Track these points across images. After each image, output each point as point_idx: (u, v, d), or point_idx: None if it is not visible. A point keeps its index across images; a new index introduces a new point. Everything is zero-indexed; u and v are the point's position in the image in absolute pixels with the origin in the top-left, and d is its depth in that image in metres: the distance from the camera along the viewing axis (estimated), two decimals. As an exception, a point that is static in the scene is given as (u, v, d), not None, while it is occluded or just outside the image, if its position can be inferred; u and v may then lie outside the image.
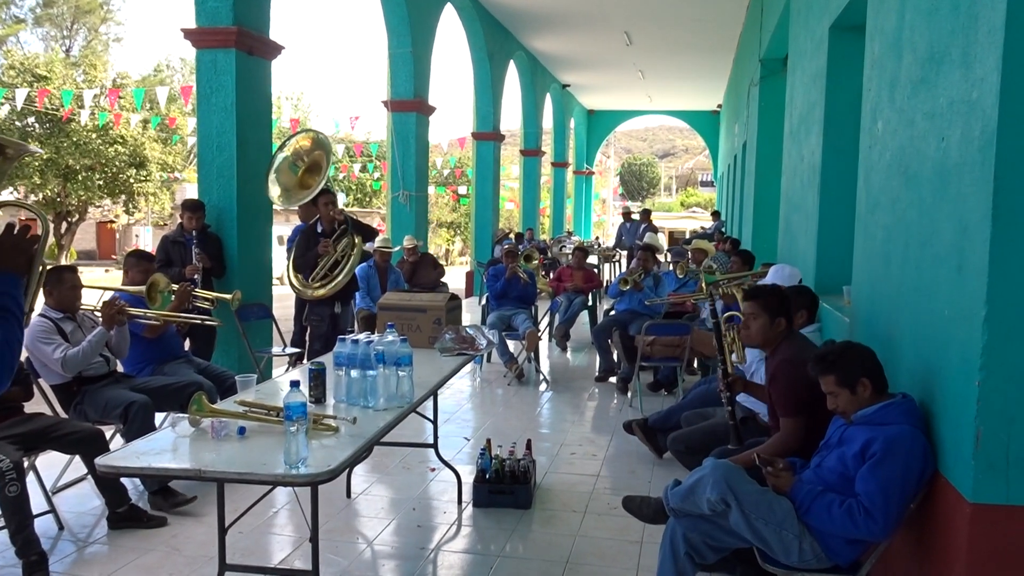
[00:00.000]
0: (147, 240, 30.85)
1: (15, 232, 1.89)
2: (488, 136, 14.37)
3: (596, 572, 3.51)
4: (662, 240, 14.97)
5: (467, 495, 4.34)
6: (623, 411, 6.35)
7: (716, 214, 19.30)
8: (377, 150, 28.66)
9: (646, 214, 16.27)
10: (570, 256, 13.50)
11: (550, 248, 15.51)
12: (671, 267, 9.54)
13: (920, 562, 2.65)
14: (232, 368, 5.72)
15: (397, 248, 9.14)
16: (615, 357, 7.38)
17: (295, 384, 2.51)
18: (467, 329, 4.35)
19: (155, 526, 3.88)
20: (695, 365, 7.29)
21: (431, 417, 4.44)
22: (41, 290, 3.66)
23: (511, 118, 18.02)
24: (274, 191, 6.13)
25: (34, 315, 4.12)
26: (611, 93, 21.64)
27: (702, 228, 21.42)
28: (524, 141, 17.99)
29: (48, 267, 4.44)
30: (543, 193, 21.18)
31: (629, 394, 6.75)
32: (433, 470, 4.82)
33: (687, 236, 21.84)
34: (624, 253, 16.15)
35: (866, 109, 3.86)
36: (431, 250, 14.05)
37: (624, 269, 14.49)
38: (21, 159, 2.03)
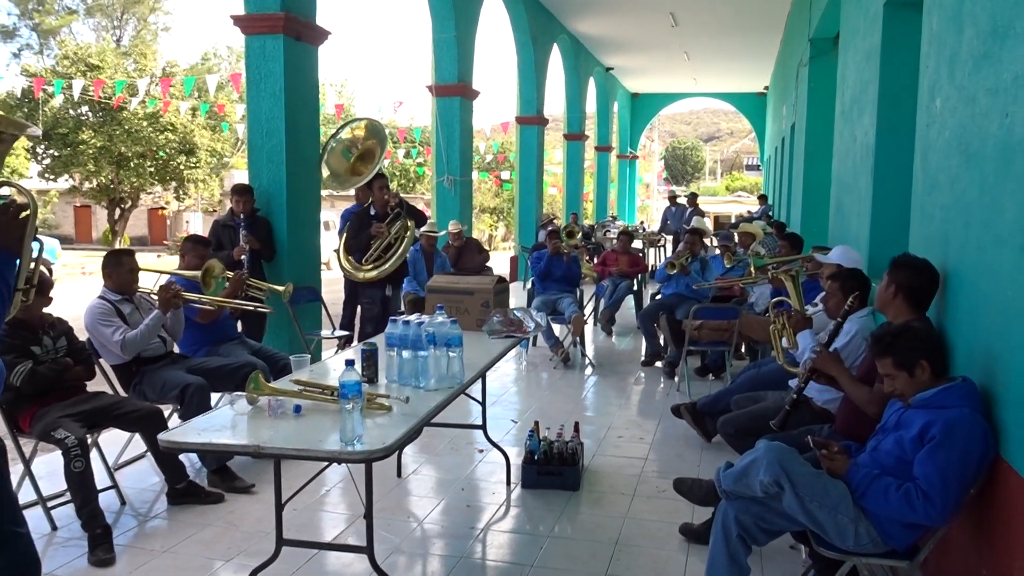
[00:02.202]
0: (197, 225, 31.49)
1: (8, 211, 2.03)
2: (531, 120, 14.33)
3: (646, 554, 3.51)
4: (708, 224, 14.81)
5: (515, 476, 4.38)
6: (670, 395, 6.32)
7: (763, 198, 18.98)
8: (420, 135, 28.81)
9: (692, 198, 16.09)
10: (614, 240, 13.44)
11: (594, 233, 15.43)
12: (717, 251, 9.44)
13: (980, 548, 2.60)
14: (283, 350, 5.83)
15: (443, 233, 9.20)
16: (661, 341, 7.34)
17: (350, 363, 2.55)
18: (515, 312, 4.37)
19: (212, 502, 3.99)
20: (743, 349, 7.21)
21: (479, 399, 4.48)
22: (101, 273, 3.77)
23: (554, 102, 17.96)
24: (327, 177, 6.21)
25: (94, 297, 4.26)
26: (655, 76, 21.38)
27: (748, 212, 21.10)
28: (567, 125, 17.89)
29: (107, 251, 4.58)
30: (586, 178, 21.05)
31: (676, 378, 6.71)
32: (481, 451, 4.86)
33: (733, 220, 21.57)
34: (669, 237, 16.01)
35: (923, 87, 3.76)
36: (475, 235, 14.12)
37: (669, 254, 14.37)
38: (17, 139, 2.15)
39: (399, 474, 4.49)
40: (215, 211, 30.52)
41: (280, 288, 5.11)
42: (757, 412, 3.90)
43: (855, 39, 6.20)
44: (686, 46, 16.36)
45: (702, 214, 15.54)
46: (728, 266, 7.51)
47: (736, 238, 9.04)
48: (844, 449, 2.74)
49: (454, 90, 10.37)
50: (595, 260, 13.38)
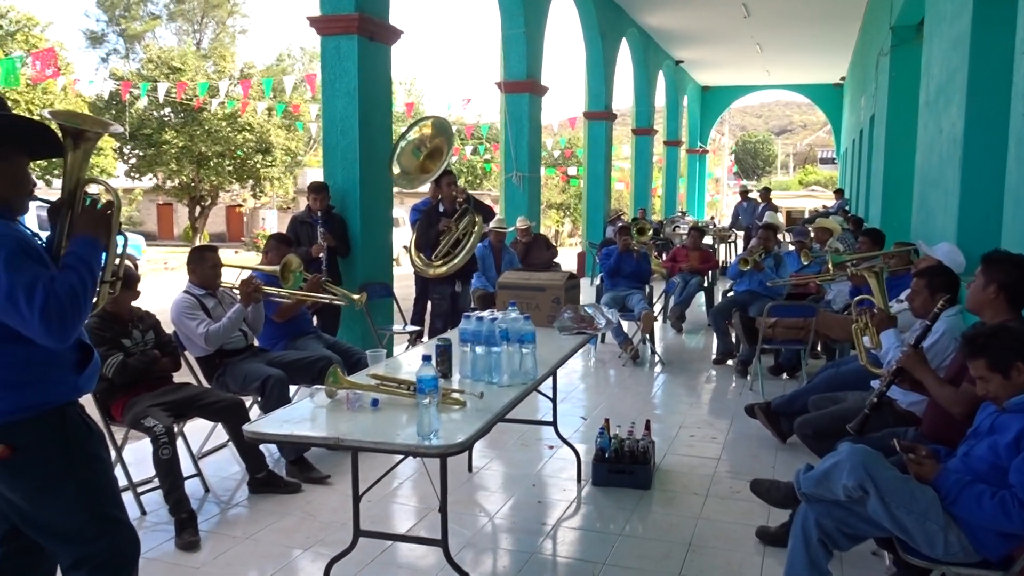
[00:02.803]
0: (272, 222, 32.36)
1: (96, 206, 2.17)
2: (600, 116, 14.24)
3: (720, 556, 3.46)
4: (780, 220, 14.45)
5: (585, 473, 4.36)
6: (743, 394, 6.20)
7: (839, 192, 18.44)
8: (488, 131, 28.95)
9: (765, 193, 15.73)
10: (684, 236, 13.24)
11: (663, 229, 15.24)
12: (791, 247, 9.21)
13: (1080, 560, 2.47)
14: (356, 344, 5.94)
15: (511, 229, 9.23)
16: (733, 339, 7.21)
17: (427, 359, 2.58)
18: (585, 308, 4.35)
19: (290, 492, 4.10)
20: (819, 348, 7.02)
21: (549, 395, 4.48)
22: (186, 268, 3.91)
23: (622, 97, 17.79)
24: (396, 175, 6.27)
25: (179, 292, 4.42)
26: (726, 68, 20.98)
27: (824, 207, 20.52)
28: (636, 120, 17.71)
29: (192, 247, 4.75)
30: (654, 173, 20.80)
31: (749, 377, 6.58)
32: (551, 448, 4.86)
33: (806, 215, 21.00)
34: (740, 233, 15.70)
35: (1019, 74, 3.58)
36: (542, 231, 14.10)
37: (741, 250, 14.09)
38: (101, 136, 2.26)
39: (470, 469, 4.52)
40: (289, 208, 31.29)
41: (355, 297, 5.19)
42: (837, 413, 3.79)
43: (941, 26, 5.95)
44: (759, 37, 15.99)
45: (775, 209, 15.17)
46: (804, 263, 7.32)
47: (812, 234, 8.80)
48: (932, 453, 2.64)
49: (523, 86, 10.39)
50: (664, 256, 13.24)
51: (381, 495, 4.08)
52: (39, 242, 2.14)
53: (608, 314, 4.33)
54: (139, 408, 3.75)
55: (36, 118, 2.20)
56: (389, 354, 6.24)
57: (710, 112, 25.36)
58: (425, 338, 6.84)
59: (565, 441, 4.46)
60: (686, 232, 12.23)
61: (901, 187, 8.54)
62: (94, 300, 2.16)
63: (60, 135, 2.13)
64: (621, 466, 4.21)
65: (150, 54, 24.78)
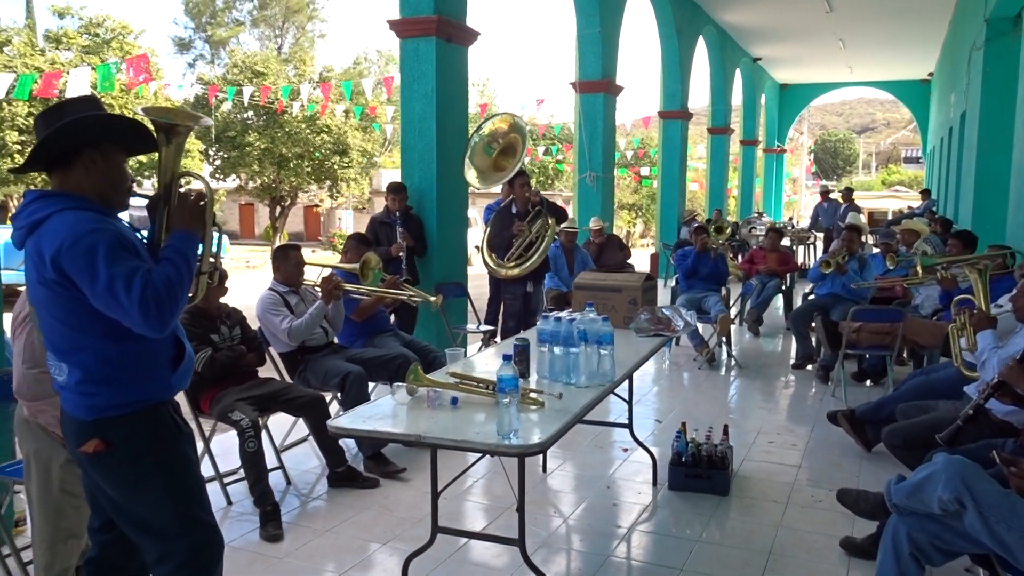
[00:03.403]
0: (349, 223, 33.06)
1: (188, 198, 2.21)
2: (675, 115, 14.03)
3: (802, 566, 3.36)
4: (863, 221, 13.96)
5: (661, 477, 4.31)
6: (824, 401, 6.02)
7: (926, 192, 17.73)
8: (560, 131, 28.89)
9: (847, 193, 15.24)
10: (760, 238, 12.95)
11: (739, 230, 14.93)
12: (875, 249, 8.90)
13: None
14: (431, 343, 6.00)
15: (583, 229, 9.19)
16: (814, 343, 7.01)
17: (507, 358, 2.59)
18: (663, 310, 4.30)
19: (368, 487, 4.18)
20: (904, 355, 6.76)
21: (625, 397, 4.44)
22: (271, 265, 4.01)
23: (697, 96, 17.51)
24: (470, 173, 6.27)
25: (264, 289, 4.56)
26: (806, 66, 20.40)
27: (909, 208, 19.77)
28: (712, 119, 17.39)
29: (277, 246, 4.88)
30: (729, 172, 20.38)
31: (831, 383, 6.39)
32: (626, 450, 4.82)
33: (890, 217, 20.27)
34: (820, 235, 15.25)
35: None
36: (614, 232, 14.00)
37: (820, 252, 13.70)
38: (192, 130, 2.32)
39: (544, 469, 4.52)
40: (364, 209, 31.90)
41: (432, 299, 5.24)
42: (928, 423, 3.64)
43: (1043, 18, 5.66)
44: (841, 33, 15.49)
45: (858, 210, 14.68)
46: (889, 266, 7.06)
47: (898, 236, 8.48)
48: (1035, 467, 2.51)
49: (598, 86, 10.32)
50: (740, 258, 12.97)
51: (456, 493, 4.12)
52: (139, 238, 2.21)
53: (686, 316, 4.26)
54: (226, 402, 3.88)
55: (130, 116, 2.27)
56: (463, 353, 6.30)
57: (788, 110, 24.70)
58: (498, 338, 6.87)
59: (641, 444, 4.41)
60: (763, 233, 11.95)
61: (995, 187, 8.15)
62: (192, 292, 2.22)
63: (153, 131, 2.19)
64: (698, 471, 4.14)
65: (234, 59, 25.64)
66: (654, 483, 4.30)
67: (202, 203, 2.23)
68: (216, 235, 2.34)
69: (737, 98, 19.26)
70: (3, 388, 3.33)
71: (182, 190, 2.25)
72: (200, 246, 2.24)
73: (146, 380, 2.16)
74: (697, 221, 12.46)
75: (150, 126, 2.21)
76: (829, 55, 18.03)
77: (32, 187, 21.14)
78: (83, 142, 2.10)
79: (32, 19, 25.47)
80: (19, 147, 19.28)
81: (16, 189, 21.27)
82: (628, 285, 4.40)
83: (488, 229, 6.76)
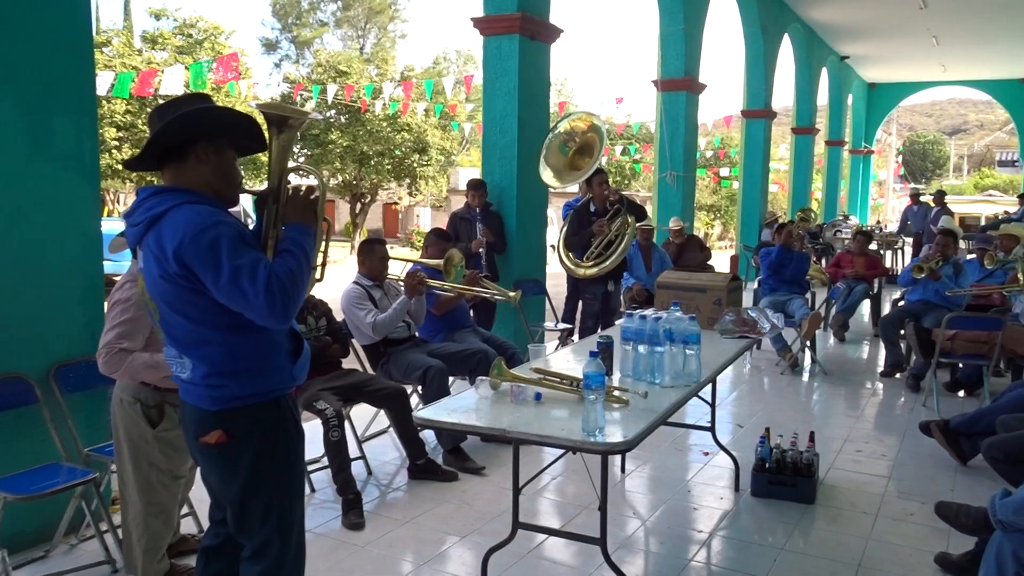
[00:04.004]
0: (427, 220, 33.48)
1: (300, 191, 2.20)
2: (758, 114, 13.70)
3: (894, 580, 3.23)
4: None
5: (743, 482, 4.21)
6: (914, 411, 5.77)
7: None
8: (638, 130, 28.60)
9: (939, 196, 14.61)
10: (846, 241, 12.53)
11: (823, 233, 14.48)
12: (969, 255, 8.50)
13: None
14: (509, 339, 6.01)
15: (660, 227, 9.05)
16: (904, 351, 6.74)
17: (594, 354, 2.56)
18: (749, 311, 4.19)
19: (447, 480, 4.21)
20: (1001, 365, 6.43)
21: (707, 399, 4.35)
22: (356, 259, 4.06)
23: (782, 95, 17.07)
24: (545, 173, 6.21)
25: (349, 283, 4.64)
26: (896, 64, 19.63)
27: (1005, 213, 18.81)
28: (796, 118, 16.92)
29: (364, 238, 4.96)
30: (813, 174, 19.79)
31: (922, 392, 6.12)
32: (706, 454, 4.72)
33: (983, 222, 19.33)
34: (910, 240, 14.66)
35: None
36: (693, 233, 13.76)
37: (910, 256, 13.18)
38: (303, 127, 2.32)
39: (622, 470, 4.47)
40: (441, 207, 32.25)
41: (511, 294, 5.23)
42: (1034, 436, 3.45)
43: None
44: (935, 30, 14.85)
45: (951, 213, 14.05)
46: (988, 265, 6.73)
47: (995, 241, 8.07)
48: None
49: (680, 84, 10.17)
50: (824, 262, 12.58)
51: (534, 490, 4.11)
52: (251, 232, 2.21)
53: (773, 318, 4.15)
54: (311, 391, 3.97)
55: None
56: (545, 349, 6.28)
57: (876, 111, 23.84)
58: (575, 337, 6.83)
59: (723, 448, 4.32)
60: (849, 237, 11.57)
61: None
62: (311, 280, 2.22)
63: (265, 126, 2.20)
64: (783, 477, 4.02)
65: (319, 59, 26.28)
66: (736, 488, 4.21)
67: (314, 197, 2.22)
68: (325, 229, 2.32)
69: (823, 97, 18.69)
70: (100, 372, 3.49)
71: (292, 184, 2.25)
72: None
73: (270, 371, 2.15)
74: (780, 223, 12.15)
75: (261, 121, 2.21)
76: (921, 53, 17.32)
77: (129, 182, 21.89)
78: (197, 136, 2.11)
79: (130, 21, 26.66)
80: (116, 143, 20.20)
81: (114, 184, 22.30)
82: (713, 285, 4.31)
83: (565, 227, 6.70)
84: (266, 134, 2.22)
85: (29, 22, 3.24)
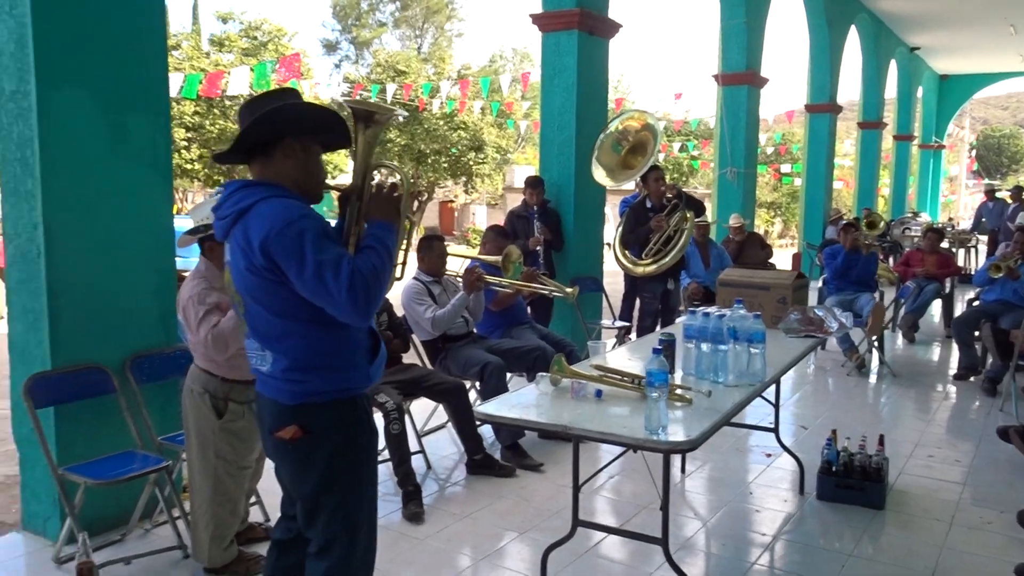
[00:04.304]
0: (482, 217, 33.60)
1: (384, 188, 2.19)
2: (823, 108, 13.36)
3: (969, 590, 3.12)
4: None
5: (808, 486, 4.11)
6: (991, 415, 5.56)
7: (1109, 193, 16.03)
8: (697, 126, 28.20)
9: (1017, 192, 14.01)
10: (916, 239, 12.14)
11: (891, 230, 14.06)
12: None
13: None
14: (566, 336, 5.99)
15: (721, 225, 8.90)
16: (979, 353, 6.49)
17: (657, 351, 2.53)
18: (815, 310, 4.09)
19: (505, 476, 4.22)
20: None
21: (771, 400, 4.26)
22: (415, 255, 4.08)
23: (847, 88, 16.62)
24: (597, 172, 6.11)
25: (408, 278, 4.68)
26: (970, 55, 18.90)
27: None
28: (863, 112, 16.46)
29: (421, 235, 5.01)
30: (880, 169, 19.21)
31: (999, 396, 5.89)
32: (769, 455, 4.63)
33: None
34: (984, 237, 14.12)
35: None
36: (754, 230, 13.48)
37: (985, 255, 12.69)
38: (390, 124, 2.31)
39: (682, 470, 4.42)
40: (496, 204, 32.33)
41: (569, 291, 5.21)
42: (1122, 443, 3.28)
43: None
44: (1013, 18, 14.24)
45: (1028, 210, 13.47)
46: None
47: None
48: None
49: (742, 78, 9.99)
50: (892, 260, 12.22)
51: (591, 488, 4.09)
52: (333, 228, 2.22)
53: (840, 317, 4.04)
54: (373, 385, 4.01)
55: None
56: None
57: (948, 104, 23.02)
58: (633, 336, 6.77)
59: (787, 450, 4.23)
60: (918, 234, 11.20)
61: None
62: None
63: (351, 122, 2.20)
64: (851, 481, 3.91)
65: (378, 59, 26.63)
66: (800, 491, 4.11)
67: (397, 194, 2.21)
68: (409, 227, 2.32)
69: (891, 91, 18.13)
70: (173, 363, 3.61)
71: (374, 181, 2.23)
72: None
73: (349, 368, 2.14)
74: (844, 220, 11.84)
75: (347, 116, 2.22)
76: (997, 42, 16.63)
77: (196, 180, 22.48)
78: (284, 131, 2.11)
79: (198, 24, 27.41)
80: (185, 144, 20.82)
81: (183, 183, 22.97)
82: (777, 283, 4.22)
83: (621, 225, 6.59)
84: (352, 130, 2.21)
85: (108, 26, 3.36)
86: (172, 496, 3.42)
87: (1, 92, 3.30)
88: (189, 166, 21.46)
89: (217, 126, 21.38)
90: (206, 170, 21.92)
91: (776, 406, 4.25)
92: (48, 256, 3.24)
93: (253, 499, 3.57)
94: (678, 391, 2.82)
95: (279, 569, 2.38)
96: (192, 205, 29.67)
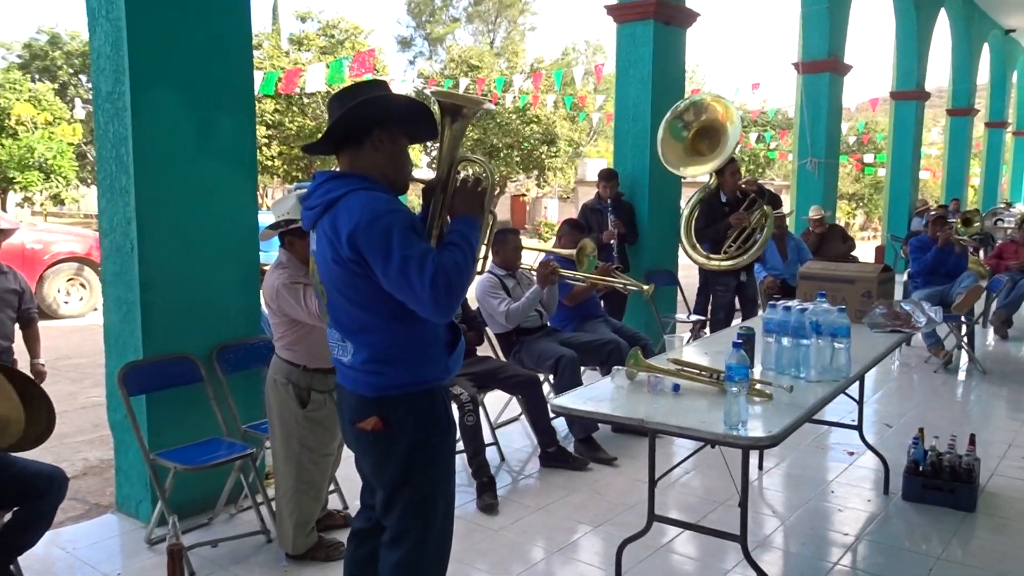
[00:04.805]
0: (554, 211, 33.60)
1: (468, 183, 2.18)
2: (910, 95, 12.87)
3: (1069, 599, 2.96)
4: None
5: (894, 486, 3.97)
6: (1092, 416, 5.27)
7: None
8: (774, 116, 27.50)
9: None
10: (1009, 231, 11.57)
11: (982, 221, 13.42)
12: None
13: None
14: (640, 330, 5.93)
15: (801, 218, 8.65)
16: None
17: (737, 345, 2.48)
18: (902, 304, 3.95)
19: (578, 469, 4.22)
20: None
21: (854, 396, 4.13)
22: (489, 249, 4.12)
23: (936, 74, 15.92)
24: (669, 165, 5.81)
25: (484, 272, 4.71)
26: (1072, 35, 17.90)
27: None
28: (952, 99, 15.78)
29: (496, 228, 5.02)
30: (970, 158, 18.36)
31: (1101, 396, 5.58)
32: (851, 454, 4.49)
33: None
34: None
35: None
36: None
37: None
38: (476, 116, 2.29)
39: (760, 466, 4.32)
40: (568, 198, 32.27)
41: (645, 287, 5.14)
42: None
43: None
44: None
45: None
46: None
47: None
48: None
49: (823, 65, 9.70)
50: (983, 252, 11.66)
51: (666, 483, 4.03)
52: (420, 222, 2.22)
53: (929, 312, 3.88)
54: (451, 377, 4.06)
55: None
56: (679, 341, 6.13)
57: (1046, 88, 21.83)
58: (707, 330, 6.66)
59: (871, 448, 4.10)
60: (1011, 226, 10.66)
61: None
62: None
63: (438, 115, 2.20)
64: (939, 482, 3.76)
65: (451, 54, 26.86)
66: (885, 491, 3.98)
67: (481, 189, 2.20)
68: (491, 221, 2.31)
69: (983, 76, 17.30)
70: (256, 353, 3.73)
71: (461, 175, 2.23)
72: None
73: (427, 362, 2.15)
74: (932, 211, 11.36)
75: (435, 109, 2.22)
76: (1103, 22, 15.70)
77: (276, 177, 23.15)
78: (374, 122, 2.12)
79: (278, 24, 28.19)
80: (266, 141, 21.45)
81: (263, 179, 23.69)
82: (862, 276, 4.09)
83: (694, 217, 6.32)
84: (439, 123, 2.21)
85: (196, 28, 3.48)
86: (255, 482, 3.53)
87: (98, 93, 3.46)
88: (269, 163, 22.14)
89: (296, 123, 21.97)
90: (285, 166, 22.56)
91: (860, 403, 4.12)
92: (140, 250, 3.38)
93: (332, 486, 3.65)
94: (758, 386, 2.76)
95: (357, 558, 2.42)
96: (272, 201, 30.53)
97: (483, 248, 2.27)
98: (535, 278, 4.65)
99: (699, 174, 6.09)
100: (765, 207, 6.15)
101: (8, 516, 2.83)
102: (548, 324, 4.87)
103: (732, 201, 6.17)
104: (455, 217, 2.17)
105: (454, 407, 3.93)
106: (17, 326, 3.93)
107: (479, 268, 2.26)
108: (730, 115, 5.59)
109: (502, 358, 4.73)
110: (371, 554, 2.36)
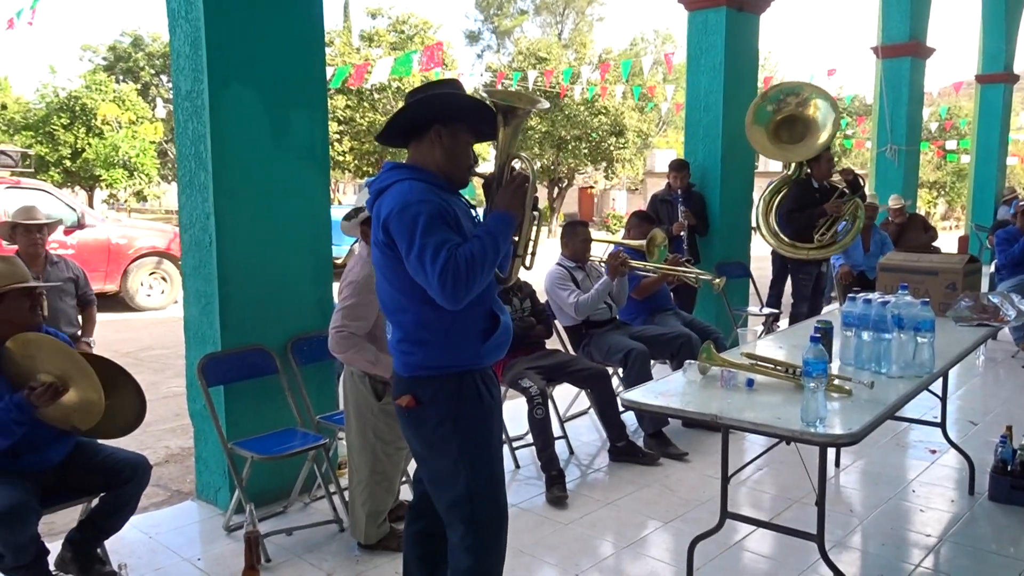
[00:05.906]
0: (622, 203, 33.33)
1: (513, 180, 2.25)
2: (997, 78, 12.29)
3: None
4: None
5: (980, 486, 3.81)
6: None
7: None
8: (851, 102, 26.61)
9: None
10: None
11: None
12: None
13: None
14: (711, 323, 5.82)
15: (882, 208, 8.33)
16: None
17: (815, 340, 2.41)
18: (990, 296, 3.77)
19: (648, 464, 4.17)
20: None
21: (937, 393, 3.97)
22: (559, 241, 4.11)
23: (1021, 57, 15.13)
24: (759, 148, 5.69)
25: (553, 264, 4.70)
26: None
27: None
28: (1044, 81, 14.97)
29: (565, 222, 5.01)
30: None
31: None
32: (933, 452, 4.33)
33: None
34: None
35: None
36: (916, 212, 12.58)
37: None
38: (530, 114, 2.33)
39: (837, 464, 4.20)
40: (636, 190, 31.91)
41: (716, 281, 5.04)
42: None
43: None
44: None
45: None
46: None
47: None
48: None
49: (904, 49, 9.33)
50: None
51: (738, 480, 3.96)
52: (474, 216, 2.32)
53: (1019, 304, 3.70)
54: (516, 370, 4.07)
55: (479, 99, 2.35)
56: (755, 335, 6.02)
57: None
58: (782, 322, 6.50)
59: (955, 446, 3.93)
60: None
61: None
62: (506, 273, 2.34)
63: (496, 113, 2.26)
64: (1029, 483, 3.59)
65: (519, 47, 26.82)
66: (970, 491, 3.82)
67: (523, 186, 2.26)
68: (536, 217, 2.36)
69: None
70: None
71: (515, 171, 2.30)
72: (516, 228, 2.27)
73: (455, 348, 2.22)
74: (1020, 200, 10.82)
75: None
76: None
77: (347, 172, 23.56)
78: (433, 118, 2.23)
79: (349, 21, 28.68)
80: (337, 137, 21.86)
81: (336, 174, 24.18)
82: (947, 268, 3.92)
83: (785, 203, 6.07)
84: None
85: (271, 27, 3.56)
86: (329, 472, 3.60)
87: (178, 91, 3.58)
88: (341, 158, 22.56)
89: (367, 119, 22.31)
90: (356, 161, 22.94)
91: (943, 399, 3.96)
92: (218, 244, 3.49)
93: (404, 478, 3.71)
94: (836, 382, 2.68)
95: (411, 534, 2.54)
96: (343, 195, 31.13)
97: (531, 243, 2.36)
98: (604, 270, 4.62)
99: (791, 160, 5.85)
100: (856, 199, 5.94)
101: (96, 501, 2.97)
102: (617, 317, 4.83)
103: (823, 189, 5.97)
104: (491, 211, 2.25)
105: (523, 401, 3.97)
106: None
107: (527, 263, 2.37)
108: (823, 105, 5.40)
109: (571, 351, 4.71)
110: (423, 529, 2.50)
